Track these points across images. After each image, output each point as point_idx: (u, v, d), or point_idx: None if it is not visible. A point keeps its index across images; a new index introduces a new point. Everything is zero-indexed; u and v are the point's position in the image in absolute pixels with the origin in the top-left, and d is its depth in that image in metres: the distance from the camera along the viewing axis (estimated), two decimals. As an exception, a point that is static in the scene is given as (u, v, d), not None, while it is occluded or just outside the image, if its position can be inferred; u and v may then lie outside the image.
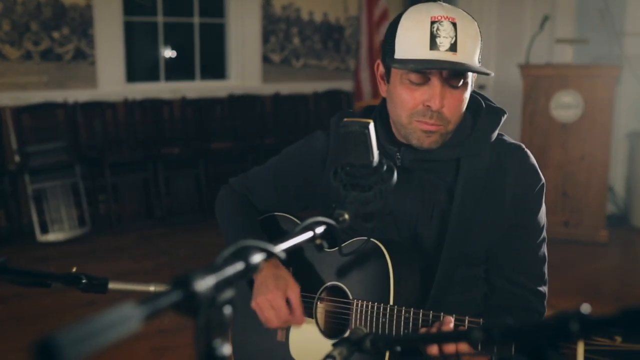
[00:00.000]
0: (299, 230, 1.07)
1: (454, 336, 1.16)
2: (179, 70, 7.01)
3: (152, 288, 1.53)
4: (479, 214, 1.58)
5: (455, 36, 1.44)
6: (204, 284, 0.74)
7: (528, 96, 5.48)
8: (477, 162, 1.59)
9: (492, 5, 6.93)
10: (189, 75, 6.98)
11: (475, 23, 1.50)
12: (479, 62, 1.50)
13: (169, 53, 6.96)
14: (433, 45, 1.44)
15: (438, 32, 1.44)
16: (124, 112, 6.24)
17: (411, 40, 1.47)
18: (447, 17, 1.45)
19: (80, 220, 5.77)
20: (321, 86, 7.50)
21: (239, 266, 0.83)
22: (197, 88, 6.84)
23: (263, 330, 1.76)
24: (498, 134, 1.64)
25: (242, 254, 0.86)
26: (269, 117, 7.11)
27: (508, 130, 1.67)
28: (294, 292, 1.58)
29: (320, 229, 1.12)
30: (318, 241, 1.12)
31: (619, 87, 5.58)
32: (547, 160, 5.32)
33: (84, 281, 1.40)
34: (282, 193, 1.81)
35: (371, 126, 1.23)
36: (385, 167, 1.28)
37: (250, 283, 1.70)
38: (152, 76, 6.78)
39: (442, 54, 1.44)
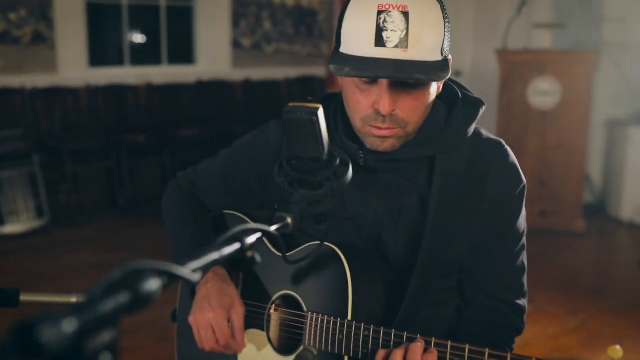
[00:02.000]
0: (222, 242, 0.87)
1: None
2: (144, 54, 6.74)
3: (73, 299, 1.33)
4: (457, 219, 1.38)
5: (407, 29, 1.20)
6: (57, 330, 0.55)
7: (505, 83, 5.32)
8: (454, 161, 1.39)
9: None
10: (155, 60, 6.72)
11: (438, 7, 1.24)
12: (444, 54, 1.25)
13: (134, 37, 6.69)
14: (379, 40, 1.20)
15: (385, 24, 1.20)
16: (86, 98, 5.98)
17: (355, 33, 1.24)
18: (396, 5, 1.20)
19: (38, 212, 5.52)
20: (293, 72, 7.29)
21: (122, 298, 0.63)
22: (163, 73, 6.59)
23: None
24: (475, 128, 1.43)
25: (131, 281, 0.66)
26: (238, 103, 6.89)
27: (484, 118, 1.47)
28: (238, 314, 1.40)
29: (252, 239, 0.92)
30: (249, 253, 0.93)
31: (597, 73, 5.44)
32: (524, 149, 5.17)
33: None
34: (233, 191, 1.61)
35: (320, 112, 1.04)
36: (338, 161, 1.09)
37: (193, 292, 1.51)
38: (117, 61, 6.51)
39: (388, 52, 1.20)
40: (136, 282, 0.65)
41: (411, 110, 1.28)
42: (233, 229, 0.91)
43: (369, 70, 1.21)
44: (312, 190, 1.09)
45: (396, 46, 1.20)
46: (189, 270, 0.76)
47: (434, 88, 1.32)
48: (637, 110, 5.78)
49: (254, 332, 1.52)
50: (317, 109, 1.04)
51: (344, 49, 1.27)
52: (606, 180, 6.07)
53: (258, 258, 0.94)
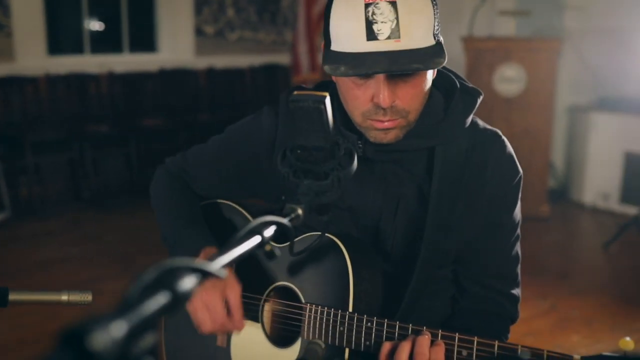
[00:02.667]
0: (243, 235, 0.85)
1: None
2: (105, 42, 6.58)
3: (65, 297, 1.28)
4: (456, 209, 1.38)
5: (397, 18, 1.17)
6: (108, 336, 0.51)
7: (471, 70, 5.36)
8: (453, 151, 1.38)
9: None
10: (116, 48, 6.56)
11: None
12: (436, 38, 1.24)
13: (94, 24, 6.52)
14: (370, 34, 1.18)
15: (374, 17, 1.18)
16: (46, 88, 5.81)
17: (345, 30, 1.21)
18: None
19: (-1, 205, 5.36)
20: (257, 60, 7.21)
21: (162, 299, 0.60)
22: (125, 62, 6.44)
23: (201, 335, 1.54)
24: (472, 118, 1.42)
25: (167, 280, 0.63)
26: (202, 92, 6.79)
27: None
28: (234, 292, 1.34)
29: (269, 232, 0.90)
30: (268, 247, 0.91)
31: (559, 60, 5.52)
32: (490, 135, 5.22)
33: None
34: (225, 179, 1.58)
35: (327, 100, 1.01)
36: (343, 151, 1.07)
37: None
38: (76, 49, 6.34)
39: (382, 44, 1.18)
40: (173, 281, 0.63)
41: (410, 99, 1.27)
42: (238, 219, 0.89)
43: (364, 66, 1.19)
44: (317, 180, 1.06)
45: (388, 37, 1.18)
46: (218, 266, 0.73)
47: (430, 73, 1.31)
48: (599, 97, 5.90)
49: (248, 324, 1.49)
50: (325, 97, 1.02)
51: (335, 46, 1.25)
52: (568, 165, 6.18)
53: (277, 252, 0.92)
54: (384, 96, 1.23)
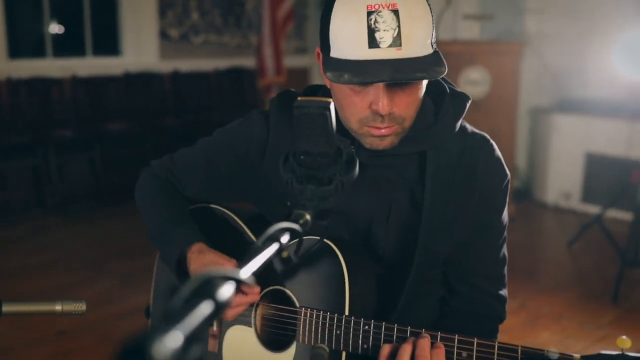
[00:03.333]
0: (262, 243, 0.86)
1: None
2: (68, 46, 6.47)
3: (58, 307, 1.27)
4: (449, 212, 1.41)
5: (399, 26, 1.18)
6: (167, 348, 0.52)
7: (436, 73, 5.44)
8: (444, 155, 1.40)
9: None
10: (79, 51, 6.46)
11: (423, 0, 1.24)
12: (433, 46, 1.26)
13: (56, 28, 6.40)
14: (372, 42, 1.19)
15: (377, 25, 1.18)
16: (7, 92, 5.68)
17: (346, 37, 1.22)
18: (386, 5, 1.18)
19: (-39, 213, 5.24)
20: (223, 63, 7.18)
21: (206, 308, 0.61)
22: (89, 65, 6.35)
23: None
24: (461, 123, 1.45)
25: (208, 290, 0.64)
26: (168, 96, 6.74)
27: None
28: (234, 265, 1.37)
29: (285, 238, 0.91)
30: (284, 254, 0.92)
31: (520, 63, 5.65)
32: (456, 137, 5.31)
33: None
34: (214, 183, 1.58)
35: (332, 107, 1.03)
36: (345, 156, 1.09)
37: (178, 272, 1.46)
38: (38, 53, 6.22)
39: (384, 52, 1.19)
40: (214, 290, 0.64)
41: (407, 107, 1.29)
42: (269, 228, 0.90)
43: (369, 75, 1.20)
44: (321, 185, 1.08)
45: (390, 45, 1.19)
46: (249, 274, 0.74)
47: (425, 81, 1.32)
48: (559, 98, 6.05)
49: (241, 329, 1.50)
50: (329, 103, 1.03)
51: (336, 53, 1.26)
52: (531, 166, 6.32)
53: (294, 258, 0.93)
54: (384, 104, 1.24)
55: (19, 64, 5.93)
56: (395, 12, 1.19)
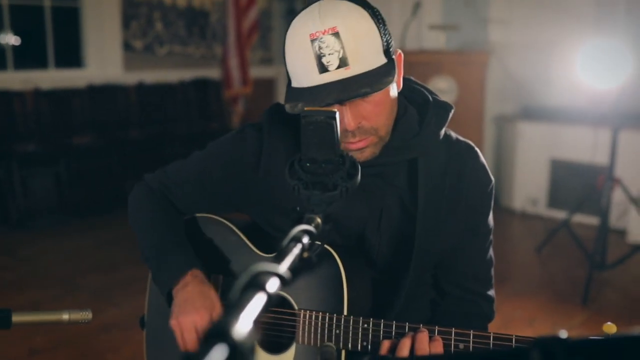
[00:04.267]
0: (288, 243, 0.87)
1: (504, 357, 1.00)
2: (29, 58, 6.36)
3: (65, 316, 1.26)
4: (440, 218, 1.46)
5: (342, 47, 1.23)
6: (241, 330, 0.54)
7: (404, 82, 5.51)
8: (433, 162, 1.46)
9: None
10: (41, 64, 6.35)
11: (364, 12, 1.28)
12: (387, 54, 1.30)
13: (16, 39, 6.28)
14: (321, 67, 1.24)
15: (321, 50, 1.24)
16: (-33, 105, 5.55)
17: (299, 67, 1.29)
18: (324, 30, 1.24)
19: None
20: (188, 74, 7.15)
21: (261, 299, 0.62)
22: (51, 78, 6.24)
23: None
24: (445, 131, 1.50)
25: (259, 283, 0.64)
26: (132, 108, 6.66)
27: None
28: (218, 312, 1.42)
29: (306, 239, 0.92)
30: (306, 254, 0.93)
31: (487, 72, 5.76)
32: (425, 145, 5.38)
33: (-20, 317, 1.09)
34: (209, 195, 1.59)
35: (337, 116, 1.08)
36: (348, 163, 1.12)
37: (169, 298, 1.47)
38: (-2, 65, 6.10)
39: (333, 75, 1.24)
40: (264, 283, 0.64)
41: (376, 117, 1.33)
42: (291, 230, 0.91)
43: (318, 99, 1.25)
44: (326, 191, 1.10)
45: (338, 67, 1.24)
46: (284, 270, 0.75)
47: (393, 88, 1.37)
48: (523, 106, 6.18)
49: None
50: (335, 112, 1.08)
51: (295, 83, 1.33)
52: (498, 173, 6.43)
53: (315, 259, 0.94)
54: (348, 120, 1.30)
55: (-21, 76, 5.80)
56: (336, 35, 1.24)
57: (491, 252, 1.57)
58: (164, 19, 7.01)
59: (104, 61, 6.59)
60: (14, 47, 6.20)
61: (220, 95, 7.34)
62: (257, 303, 0.61)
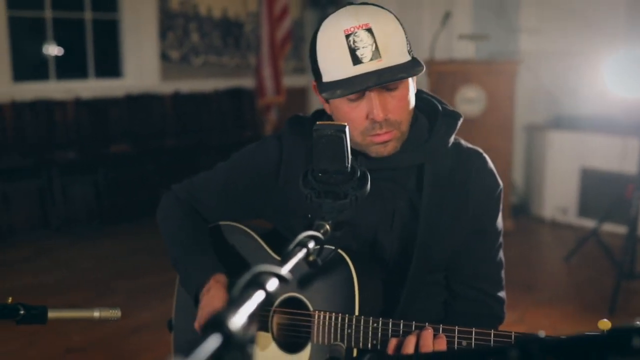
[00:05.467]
0: (294, 247, 0.96)
1: (484, 354, 1.08)
2: (70, 68, 6.58)
3: (96, 314, 1.37)
4: (445, 220, 1.53)
5: (375, 42, 1.35)
6: (237, 322, 0.63)
7: (433, 92, 5.52)
8: (440, 167, 1.54)
9: (391, 2, 6.99)
10: (81, 74, 6.57)
11: (391, 15, 1.43)
12: (410, 52, 1.43)
13: (59, 50, 6.51)
14: (355, 60, 1.36)
15: (356, 44, 1.36)
16: (11, 115, 5.78)
17: (332, 61, 1.39)
18: (359, 25, 1.36)
19: (-34, 234, 5.30)
20: (222, 84, 7.31)
21: (259, 296, 0.71)
22: (91, 87, 6.46)
23: None
24: (455, 139, 1.59)
25: (259, 282, 0.74)
26: (168, 117, 6.84)
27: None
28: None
29: (312, 244, 1.01)
30: (311, 257, 1.02)
31: (516, 82, 5.77)
32: (453, 154, 5.41)
33: (21, 312, 1.20)
34: (233, 203, 1.70)
35: (347, 130, 1.18)
36: (359, 173, 1.22)
37: (196, 300, 1.57)
38: (41, 75, 6.33)
39: (367, 66, 1.36)
40: (264, 282, 0.73)
41: (400, 110, 1.43)
42: (299, 235, 1.00)
43: (356, 86, 1.35)
44: (337, 200, 1.20)
45: (371, 59, 1.35)
46: (286, 271, 0.84)
47: (412, 87, 1.47)
48: (554, 115, 6.17)
49: (258, 334, 1.59)
50: (345, 126, 1.17)
51: (327, 78, 1.42)
52: (528, 182, 6.43)
53: (320, 262, 1.03)
54: (377, 111, 1.39)
55: (23, 86, 6.03)
56: (369, 30, 1.36)
57: (501, 254, 1.62)
58: (200, 30, 7.19)
59: (142, 71, 6.78)
60: (56, 58, 6.43)
61: (254, 105, 7.48)
62: (255, 300, 0.70)
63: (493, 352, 1.01)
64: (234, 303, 0.67)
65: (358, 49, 1.35)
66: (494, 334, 1.34)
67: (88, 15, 6.53)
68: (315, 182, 1.22)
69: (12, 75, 5.93)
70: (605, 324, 1.22)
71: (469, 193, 1.54)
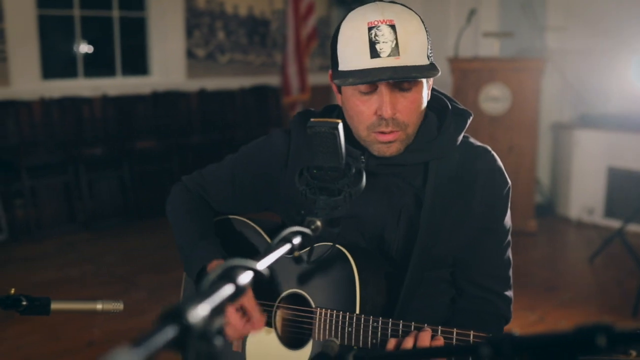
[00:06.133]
0: (277, 242, 0.97)
1: (457, 351, 1.09)
2: (98, 66, 6.69)
3: (99, 306, 1.40)
4: (448, 217, 1.52)
5: (396, 39, 1.35)
6: (197, 314, 0.64)
7: (457, 90, 5.53)
8: (446, 165, 1.53)
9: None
10: (109, 71, 6.67)
11: (417, 17, 1.42)
12: (430, 57, 1.41)
13: (87, 48, 6.63)
14: (373, 53, 1.35)
15: (377, 38, 1.35)
16: (40, 112, 5.89)
17: (351, 51, 1.39)
18: (383, 20, 1.35)
19: (-5, 228, 5.42)
20: (248, 81, 7.35)
21: (228, 289, 0.72)
22: (118, 85, 6.55)
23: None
24: (464, 136, 1.58)
25: (230, 275, 0.75)
26: (194, 114, 6.91)
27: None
28: (247, 297, 1.47)
29: (297, 240, 1.02)
30: (296, 253, 1.02)
31: (542, 79, 5.71)
32: (477, 153, 5.37)
33: (24, 303, 1.23)
34: (241, 195, 1.71)
35: (340, 127, 1.18)
36: (353, 170, 1.22)
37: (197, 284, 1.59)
38: (70, 73, 6.44)
39: (384, 61, 1.35)
40: (235, 276, 0.74)
41: (409, 113, 1.42)
42: (283, 230, 1.01)
43: (370, 76, 1.35)
44: (331, 196, 1.20)
45: (389, 55, 1.35)
46: (264, 266, 0.85)
47: (425, 92, 1.46)
48: (581, 114, 6.08)
49: (262, 330, 1.61)
50: (338, 123, 1.17)
51: (343, 66, 1.41)
52: (554, 181, 6.35)
53: (305, 257, 1.04)
54: (386, 107, 1.39)
55: (52, 84, 6.14)
56: (392, 27, 1.35)
57: (509, 253, 1.61)
58: (226, 28, 7.24)
59: (168, 69, 6.86)
60: (85, 56, 6.54)
61: (279, 102, 7.51)
62: (223, 293, 0.71)
63: (466, 350, 1.01)
64: (200, 295, 0.68)
65: (378, 42, 1.35)
66: (473, 335, 1.34)
67: (116, 13, 6.62)
68: (311, 178, 1.23)
69: (42, 73, 6.04)
70: None
71: (476, 190, 1.53)
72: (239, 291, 0.74)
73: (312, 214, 1.16)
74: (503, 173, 1.57)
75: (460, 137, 1.55)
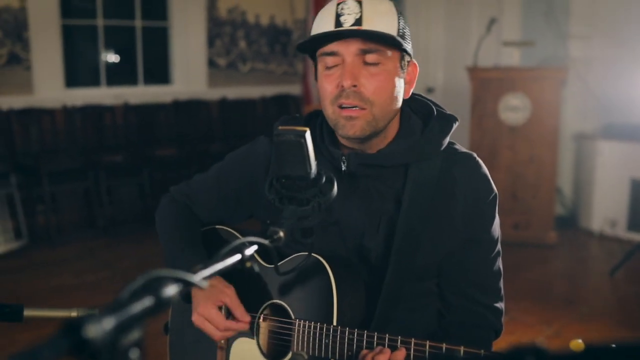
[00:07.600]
0: (224, 253, 0.95)
1: None
2: (120, 75, 6.78)
3: (74, 313, 1.39)
4: (428, 225, 1.48)
5: (361, 12, 1.37)
6: (99, 327, 0.62)
7: (476, 99, 5.47)
8: (426, 169, 1.49)
9: (438, 8, 6.92)
10: (131, 80, 6.75)
11: (390, 4, 1.44)
12: (400, 36, 1.41)
13: (110, 57, 6.72)
14: (337, 23, 1.38)
15: (342, 11, 1.38)
16: (63, 119, 5.99)
17: (317, 24, 1.42)
18: None
19: (16, 233, 5.50)
20: (269, 90, 7.37)
21: (147, 302, 0.70)
22: (140, 93, 6.62)
23: (200, 352, 1.66)
24: (449, 142, 1.54)
25: (153, 287, 0.73)
26: (215, 122, 6.95)
27: (457, 133, 1.57)
28: (228, 295, 1.49)
29: (250, 251, 1.00)
30: (248, 264, 1.00)
31: (564, 89, 5.61)
32: (496, 163, 5.31)
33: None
34: (225, 201, 1.70)
35: (307, 135, 1.15)
36: (324, 179, 1.19)
37: (188, 299, 1.58)
38: (93, 81, 6.53)
39: (346, 30, 1.38)
40: (157, 288, 0.73)
41: (375, 89, 1.40)
42: (233, 242, 0.99)
43: (328, 35, 1.38)
44: (300, 206, 1.18)
45: (352, 25, 1.37)
46: (199, 278, 0.83)
47: (398, 82, 1.45)
48: (604, 124, 5.96)
49: (244, 340, 1.59)
50: (305, 131, 1.14)
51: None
52: (576, 192, 6.23)
53: (256, 268, 1.02)
54: (346, 75, 1.38)
55: (75, 92, 6.23)
56: (359, 3, 1.38)
57: (499, 263, 1.56)
58: (247, 37, 7.28)
59: (189, 78, 6.91)
60: (107, 65, 6.63)
61: (300, 111, 7.52)
62: (140, 306, 0.69)
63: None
64: (109, 308, 0.67)
65: (342, 15, 1.37)
66: (464, 350, 1.30)
67: (139, 23, 6.70)
68: (280, 187, 1.21)
69: (65, 81, 6.14)
70: (578, 345, 1.16)
71: (458, 198, 1.49)
72: (161, 304, 0.72)
73: (278, 224, 1.14)
74: (488, 180, 1.53)
75: (446, 141, 1.52)
